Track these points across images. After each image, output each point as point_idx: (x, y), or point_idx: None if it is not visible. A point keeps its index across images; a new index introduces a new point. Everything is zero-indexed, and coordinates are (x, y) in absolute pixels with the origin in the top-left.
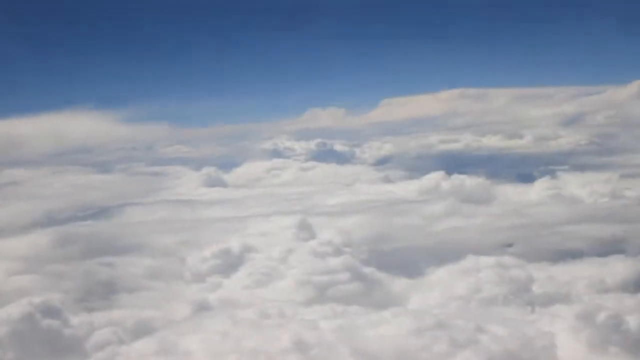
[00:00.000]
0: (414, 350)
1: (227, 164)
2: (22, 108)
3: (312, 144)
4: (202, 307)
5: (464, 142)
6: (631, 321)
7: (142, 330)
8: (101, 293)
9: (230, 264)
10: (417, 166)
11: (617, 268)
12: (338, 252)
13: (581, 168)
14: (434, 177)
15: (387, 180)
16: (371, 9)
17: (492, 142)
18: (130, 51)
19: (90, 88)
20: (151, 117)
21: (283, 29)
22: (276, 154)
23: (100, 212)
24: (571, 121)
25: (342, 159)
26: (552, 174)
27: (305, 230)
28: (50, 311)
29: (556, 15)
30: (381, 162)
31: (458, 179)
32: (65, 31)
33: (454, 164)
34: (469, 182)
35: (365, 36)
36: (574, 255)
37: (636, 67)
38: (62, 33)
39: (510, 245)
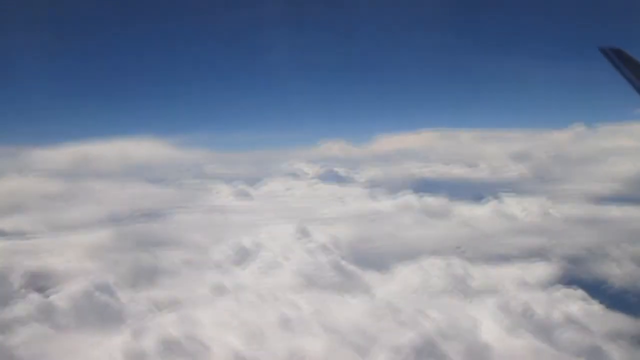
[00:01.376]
0: (367, 327)
1: (254, 181)
2: (98, 133)
3: (320, 168)
4: (219, 290)
5: (435, 170)
6: (539, 310)
7: (169, 305)
8: (146, 276)
9: (244, 257)
10: (397, 187)
11: (537, 270)
12: (326, 251)
13: (522, 193)
14: (406, 197)
15: (373, 197)
16: (369, 64)
17: (456, 170)
18: (180, 91)
19: (151, 118)
20: (198, 143)
21: (303, 79)
22: (292, 174)
23: (153, 215)
24: (519, 156)
25: (342, 180)
26: (498, 197)
27: (304, 234)
28: (104, 288)
29: (513, 71)
30: (371, 184)
31: (425, 198)
32: (130, 72)
33: (426, 186)
34: (433, 201)
35: (366, 86)
36: (506, 259)
37: (574, 115)
38: (128, 74)
39: (460, 249)
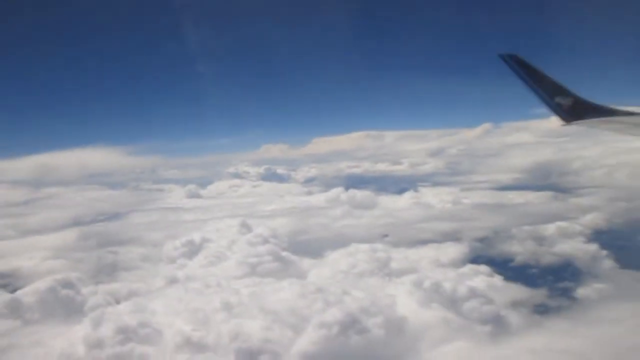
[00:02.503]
0: (297, 307)
1: (204, 182)
2: (57, 145)
3: (262, 169)
4: (172, 281)
5: (363, 167)
6: (448, 286)
7: (127, 297)
8: (107, 272)
9: (193, 250)
10: (330, 184)
11: (450, 251)
12: (265, 241)
13: (437, 185)
14: (337, 191)
15: (309, 193)
16: (304, 73)
17: (381, 167)
18: (131, 102)
19: (105, 130)
20: (151, 151)
21: (244, 88)
22: (237, 175)
23: (112, 217)
24: (435, 153)
25: (281, 179)
26: (417, 189)
27: (245, 228)
28: (67, 284)
29: (431, 76)
30: (308, 181)
31: (353, 192)
32: (85, 86)
33: (355, 182)
34: (360, 194)
35: (302, 93)
36: (423, 242)
37: (484, 115)
38: (83, 88)
39: (385, 236)
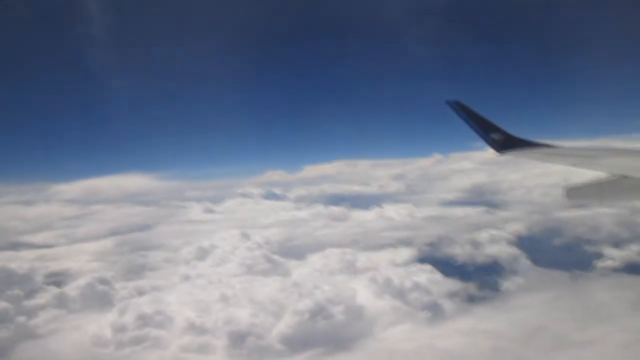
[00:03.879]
0: (278, 299)
1: (218, 200)
2: (101, 172)
3: (263, 190)
4: (185, 278)
5: (342, 188)
6: (398, 281)
7: (150, 291)
8: (136, 271)
9: (204, 254)
10: (315, 202)
11: (403, 254)
12: (260, 247)
13: (397, 202)
14: (318, 207)
15: (298, 209)
16: (299, 114)
17: (356, 188)
18: (160, 136)
19: (139, 159)
20: (176, 176)
21: (250, 127)
22: (244, 195)
23: (142, 228)
24: (397, 177)
25: (278, 198)
26: (381, 205)
27: (245, 237)
28: (103, 281)
29: (392, 117)
30: (298, 199)
31: (331, 208)
32: (120, 123)
33: (335, 200)
34: (336, 209)
35: (296, 131)
36: (383, 247)
37: (436, 147)
38: (122, 127)
39: (355, 242)
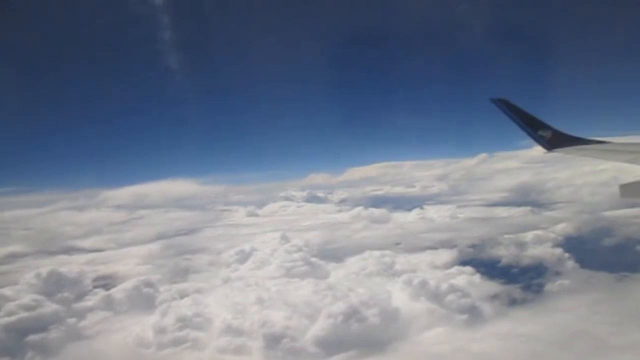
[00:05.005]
0: (312, 300)
1: (261, 204)
2: (148, 178)
3: (305, 193)
4: (226, 281)
5: (384, 190)
6: (437, 283)
7: (192, 293)
8: (181, 274)
9: (244, 257)
10: (357, 204)
11: (443, 256)
12: (299, 250)
13: (440, 203)
14: (359, 210)
15: (339, 212)
16: (343, 117)
17: (398, 190)
18: (204, 142)
19: (182, 165)
20: (222, 181)
21: (294, 131)
22: (287, 198)
23: (188, 232)
24: (441, 178)
25: (320, 201)
26: (422, 207)
27: (285, 239)
28: (148, 284)
29: (436, 118)
30: (340, 202)
31: (371, 210)
32: (165, 131)
33: (377, 202)
34: (377, 211)
35: (339, 134)
36: (423, 249)
37: (482, 147)
38: (171, 135)
39: (397, 244)
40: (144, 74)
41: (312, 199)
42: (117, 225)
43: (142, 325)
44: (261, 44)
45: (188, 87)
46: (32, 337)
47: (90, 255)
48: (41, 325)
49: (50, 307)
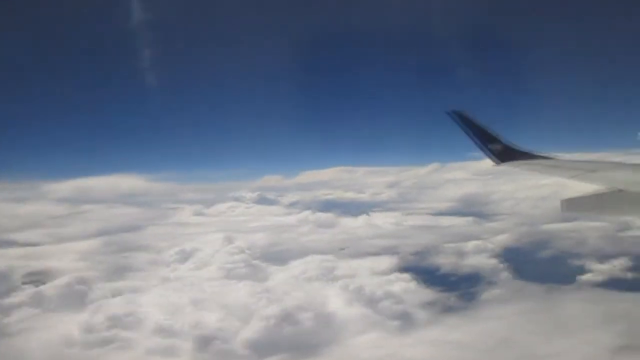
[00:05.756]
0: (247, 303)
1: (210, 204)
2: (92, 172)
3: (255, 194)
4: (164, 280)
5: (335, 194)
6: (372, 289)
7: (129, 292)
8: (119, 272)
9: (185, 257)
10: (308, 208)
11: (384, 262)
12: (242, 252)
13: (388, 210)
14: (306, 213)
15: (288, 214)
16: (294, 119)
17: (349, 195)
18: (153, 136)
19: (131, 160)
20: (170, 178)
21: (247, 130)
22: (237, 199)
23: (131, 229)
24: (392, 185)
25: (270, 203)
26: (369, 213)
27: (228, 240)
28: (82, 281)
29: (389, 126)
30: (291, 205)
31: (319, 214)
32: (112, 123)
33: (327, 206)
34: (324, 216)
35: (292, 136)
36: (366, 255)
37: (435, 155)
38: (115, 127)
39: (342, 249)
40: (95, 63)
41: (262, 201)
42: (57, 220)
43: (70, 324)
44: (219, 42)
45: (142, 80)
46: None
47: (23, 250)
48: None
49: None
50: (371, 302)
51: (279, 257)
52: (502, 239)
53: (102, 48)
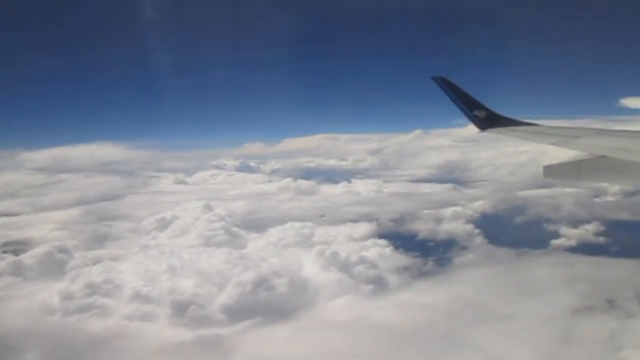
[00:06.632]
0: (223, 269)
1: (192, 172)
2: (70, 140)
3: (237, 162)
4: (144, 248)
5: (317, 162)
6: (348, 255)
7: (109, 260)
8: (99, 241)
9: (164, 225)
10: (290, 175)
11: (362, 229)
12: (221, 219)
13: (369, 177)
14: (287, 181)
15: (269, 182)
16: (280, 87)
17: (331, 162)
18: (133, 104)
19: (110, 128)
20: (151, 146)
21: (231, 97)
22: (218, 167)
23: (111, 198)
24: (374, 152)
25: (252, 170)
26: (350, 180)
27: (208, 208)
28: (62, 250)
29: (376, 92)
30: (272, 173)
31: (300, 182)
32: (92, 90)
33: (309, 174)
34: (305, 183)
35: (275, 103)
36: (344, 221)
37: (419, 122)
38: (94, 94)
39: (322, 216)
40: (73, 28)
41: (244, 169)
42: (35, 189)
43: (50, 292)
44: (201, 8)
45: (122, 47)
46: None
47: (1, 219)
48: None
49: None
50: (346, 267)
51: (258, 224)
52: (480, 205)
53: (79, 15)
